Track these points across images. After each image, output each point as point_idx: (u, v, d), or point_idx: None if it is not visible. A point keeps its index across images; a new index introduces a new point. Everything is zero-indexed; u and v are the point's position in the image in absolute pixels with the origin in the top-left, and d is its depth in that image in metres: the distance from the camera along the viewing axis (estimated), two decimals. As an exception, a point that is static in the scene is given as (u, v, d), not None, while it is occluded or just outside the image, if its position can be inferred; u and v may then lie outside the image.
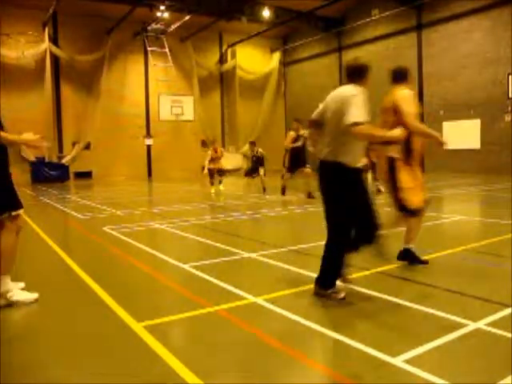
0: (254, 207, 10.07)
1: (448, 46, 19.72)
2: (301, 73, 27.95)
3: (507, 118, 18.06)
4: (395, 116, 4.27)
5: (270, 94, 28.28)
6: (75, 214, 9.52)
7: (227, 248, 5.72)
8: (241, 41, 26.28)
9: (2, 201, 3.61)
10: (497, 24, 18.06)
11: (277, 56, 28.50)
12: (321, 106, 3.81)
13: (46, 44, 21.60)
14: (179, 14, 21.66)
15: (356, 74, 3.67)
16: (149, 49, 24.43)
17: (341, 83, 25.03)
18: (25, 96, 20.89)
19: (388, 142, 3.99)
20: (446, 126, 19.82)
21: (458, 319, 3.14)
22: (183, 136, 25.89)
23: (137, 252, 5.73)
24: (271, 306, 3.50)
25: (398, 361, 2.56)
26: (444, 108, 20.14)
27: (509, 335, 2.85)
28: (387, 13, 21.23)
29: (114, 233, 7.03)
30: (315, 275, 3.79)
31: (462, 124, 19.44)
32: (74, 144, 23.02)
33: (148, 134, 25.12)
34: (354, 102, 3.38)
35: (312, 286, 3.80)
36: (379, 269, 4.43)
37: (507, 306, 3.35)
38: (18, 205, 3.71)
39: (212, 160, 13.44)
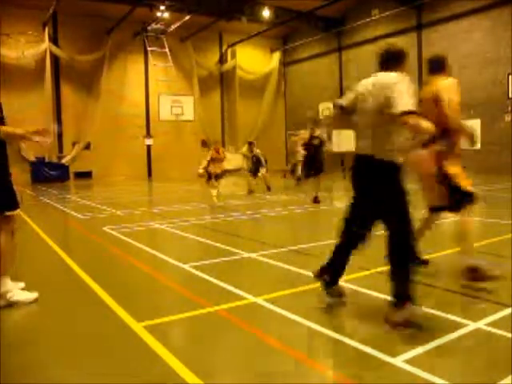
0: (253, 207, 10.07)
1: (448, 46, 19.72)
2: (301, 73, 27.95)
3: (507, 118, 18.06)
4: (436, 107, 3.97)
5: (270, 94, 28.28)
6: (75, 213, 9.52)
7: (227, 248, 5.72)
8: (241, 41, 26.29)
9: None
10: (497, 24, 18.07)
11: (277, 56, 28.50)
12: (351, 94, 3.54)
13: (45, 44, 21.60)
14: (179, 14, 21.66)
15: (393, 60, 3.35)
16: (149, 49, 24.44)
17: (341, 83, 25.06)
18: (25, 96, 20.88)
19: (423, 143, 3.82)
20: (446, 125, 19.80)
21: (458, 319, 3.14)
22: (183, 136, 25.89)
23: (137, 252, 5.73)
24: (271, 306, 3.50)
25: (398, 361, 2.55)
26: (444, 108, 20.12)
27: (509, 335, 2.85)
28: (387, 13, 21.24)
29: (114, 233, 7.03)
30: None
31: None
32: (74, 144, 23.03)
33: (148, 134, 25.11)
34: (399, 90, 3.10)
35: (312, 286, 3.79)
36: (379, 269, 4.42)
37: (507, 306, 3.35)
38: (14, 205, 3.67)
39: (212, 161, 12.74)
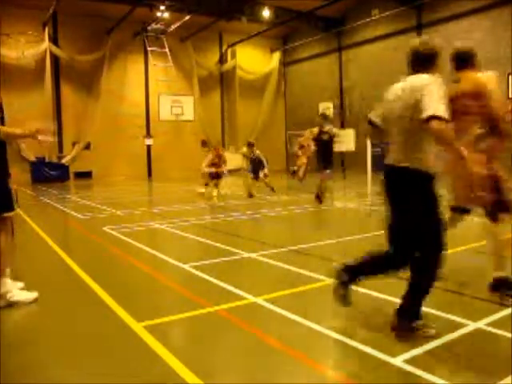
0: (253, 207, 10.07)
1: (448, 46, 19.60)
2: (301, 73, 27.95)
3: (507, 118, 18.03)
4: (478, 104, 3.65)
5: (270, 94, 28.29)
6: (75, 213, 9.52)
7: (227, 248, 5.72)
8: (241, 41, 26.29)
9: None
10: (497, 24, 18.06)
11: (277, 56, 28.50)
12: (380, 109, 3.31)
13: (45, 44, 21.60)
14: (179, 14, 21.66)
15: (425, 61, 3.10)
16: (149, 49, 24.44)
17: (341, 83, 25.06)
18: (25, 96, 20.88)
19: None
20: (446, 125, 19.80)
21: (458, 319, 3.14)
22: (183, 136, 25.89)
23: (137, 252, 5.73)
24: (271, 306, 3.50)
25: (398, 361, 2.56)
26: (444, 108, 20.13)
27: (509, 335, 2.85)
28: (387, 13, 21.23)
29: (113, 233, 7.03)
30: (315, 275, 3.77)
31: (462, 124, 19.41)
32: (74, 144, 23.03)
33: (148, 134, 25.11)
34: (429, 92, 2.82)
35: (312, 286, 3.79)
36: (379, 269, 4.42)
37: (507, 306, 3.35)
38: (11, 206, 3.66)
39: (213, 164, 12.74)
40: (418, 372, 2.42)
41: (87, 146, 23.12)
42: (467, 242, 5.72)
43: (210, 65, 26.83)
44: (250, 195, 12.07)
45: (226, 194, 12.82)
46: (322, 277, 4.18)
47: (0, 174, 3.62)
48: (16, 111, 18.68)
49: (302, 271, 4.49)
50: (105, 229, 7.36)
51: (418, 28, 20.84)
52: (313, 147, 11.50)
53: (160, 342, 2.88)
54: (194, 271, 4.61)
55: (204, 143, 26.13)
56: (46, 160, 21.36)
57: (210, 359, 2.72)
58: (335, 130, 10.74)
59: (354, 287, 3.87)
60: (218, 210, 9.94)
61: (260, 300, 3.66)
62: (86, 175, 23.02)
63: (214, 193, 11.63)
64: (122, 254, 5.67)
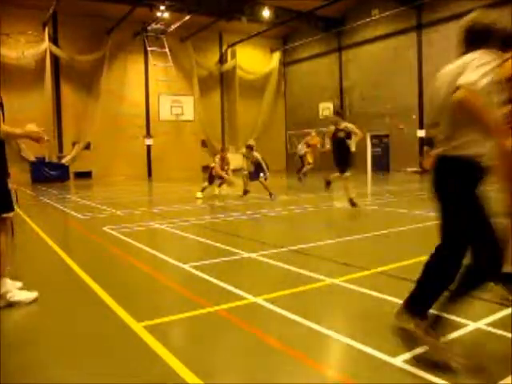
0: (253, 207, 10.06)
1: (448, 45, 19.66)
2: (301, 73, 27.96)
3: (507, 118, 18.04)
4: None
5: (270, 94, 28.30)
6: (75, 213, 9.52)
7: (227, 248, 5.72)
8: (241, 41, 26.30)
9: None
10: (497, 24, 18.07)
11: (277, 56, 28.51)
12: (430, 110, 3.02)
13: (45, 44, 21.62)
14: (179, 14, 21.68)
15: (479, 39, 2.78)
16: (149, 49, 24.45)
17: (341, 83, 25.06)
18: (25, 96, 20.90)
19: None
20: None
21: (458, 319, 3.14)
22: (183, 136, 25.90)
23: (137, 252, 5.73)
24: (271, 306, 3.50)
25: (398, 361, 2.55)
26: (444, 108, 20.14)
27: (509, 335, 2.84)
28: (387, 13, 21.24)
29: (114, 233, 7.03)
30: (315, 275, 3.77)
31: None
32: (74, 144, 23.04)
33: (148, 134, 25.12)
34: (471, 65, 2.44)
35: (312, 286, 3.79)
36: (379, 269, 4.43)
37: (507, 306, 3.35)
38: (9, 207, 3.66)
39: (218, 168, 12.93)
40: (418, 372, 2.42)
41: (87, 146, 23.14)
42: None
43: (210, 65, 26.84)
44: (245, 192, 11.93)
45: (227, 194, 12.84)
46: (322, 277, 4.18)
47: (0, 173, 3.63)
48: (16, 111, 18.69)
49: (301, 271, 4.49)
50: (105, 229, 7.36)
51: (418, 28, 20.84)
52: (328, 146, 11.00)
53: (160, 342, 2.88)
54: (193, 271, 4.61)
55: (204, 143, 26.20)
56: (46, 160, 21.38)
57: (210, 359, 2.72)
58: (351, 126, 9.82)
59: (354, 287, 3.88)
60: (218, 209, 9.93)
61: (260, 300, 3.65)
62: (86, 175, 23.03)
63: (216, 191, 11.77)
64: (122, 254, 5.67)
